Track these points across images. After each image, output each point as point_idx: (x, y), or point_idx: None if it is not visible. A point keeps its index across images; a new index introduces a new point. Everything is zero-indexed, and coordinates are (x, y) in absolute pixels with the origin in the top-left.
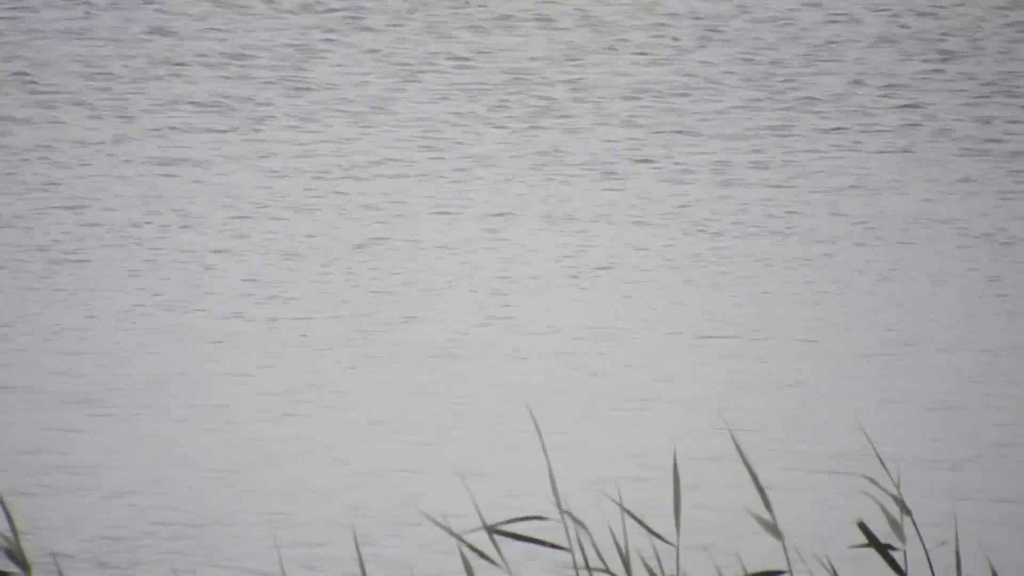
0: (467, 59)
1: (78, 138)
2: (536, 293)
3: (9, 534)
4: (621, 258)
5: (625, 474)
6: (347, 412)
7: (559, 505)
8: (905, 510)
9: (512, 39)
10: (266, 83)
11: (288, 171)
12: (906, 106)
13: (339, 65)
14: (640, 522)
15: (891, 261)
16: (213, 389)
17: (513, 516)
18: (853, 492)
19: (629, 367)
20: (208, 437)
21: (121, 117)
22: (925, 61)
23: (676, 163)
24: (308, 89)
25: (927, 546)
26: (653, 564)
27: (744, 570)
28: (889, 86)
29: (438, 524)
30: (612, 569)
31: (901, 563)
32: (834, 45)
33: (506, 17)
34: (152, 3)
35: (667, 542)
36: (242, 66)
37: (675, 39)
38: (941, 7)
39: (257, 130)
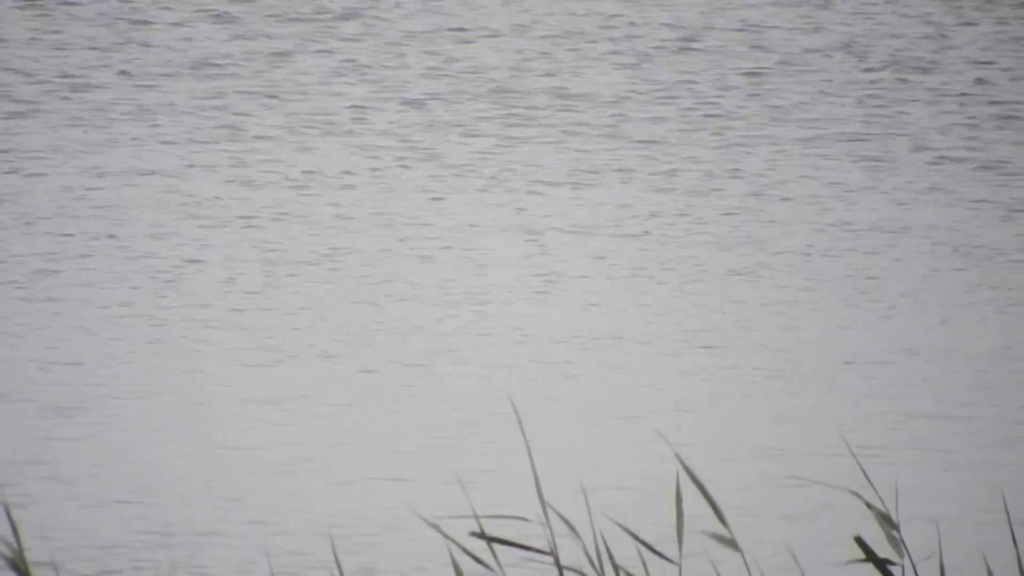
0: (442, 68)
1: (43, 146)
2: (512, 303)
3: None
4: (595, 267)
5: (609, 483)
6: (330, 421)
7: (544, 508)
8: (892, 525)
9: (488, 49)
10: (241, 92)
11: (261, 181)
12: (878, 115)
13: (308, 73)
14: (642, 542)
15: (864, 269)
16: (192, 398)
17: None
18: (839, 504)
19: (612, 376)
20: (189, 446)
21: (85, 126)
22: (890, 70)
23: (651, 173)
24: (279, 98)
25: (914, 560)
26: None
27: None
28: (865, 95)
29: (430, 524)
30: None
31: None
32: (807, 54)
33: (483, 27)
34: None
35: (669, 560)
36: (212, 74)
37: (653, 48)
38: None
39: (232, 138)
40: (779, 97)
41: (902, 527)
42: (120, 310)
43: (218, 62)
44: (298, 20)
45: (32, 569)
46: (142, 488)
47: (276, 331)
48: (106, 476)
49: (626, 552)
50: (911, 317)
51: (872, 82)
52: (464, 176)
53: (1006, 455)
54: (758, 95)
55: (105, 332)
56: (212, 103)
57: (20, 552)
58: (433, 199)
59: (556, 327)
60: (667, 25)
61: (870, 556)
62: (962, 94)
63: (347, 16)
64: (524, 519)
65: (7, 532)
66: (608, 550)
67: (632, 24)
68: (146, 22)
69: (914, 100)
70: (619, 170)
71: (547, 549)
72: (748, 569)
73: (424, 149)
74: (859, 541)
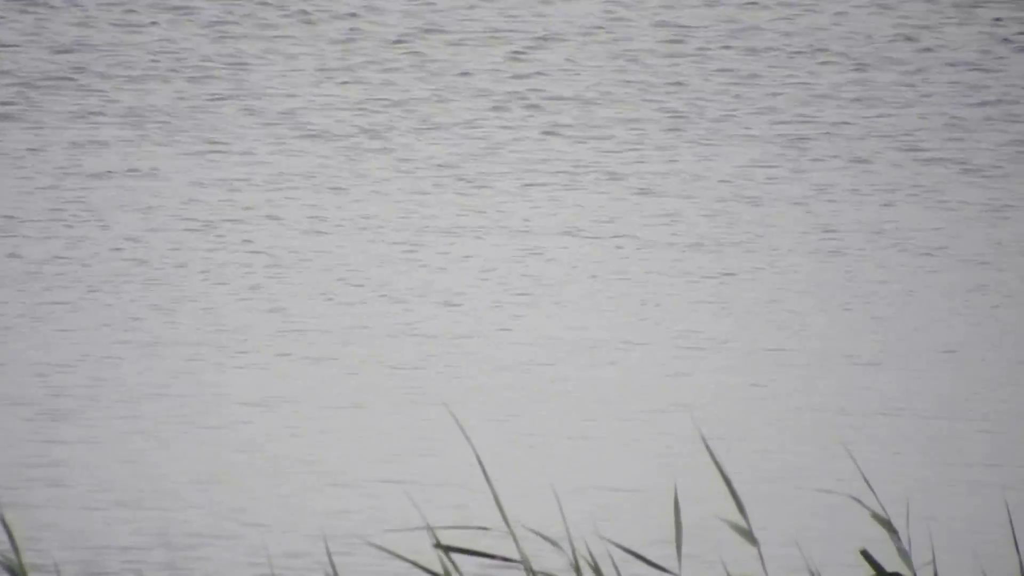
0: (426, 68)
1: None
2: (502, 305)
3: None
4: (580, 270)
5: (604, 486)
6: (324, 422)
7: (505, 519)
8: (892, 530)
9: (474, 50)
10: (212, 96)
11: (243, 184)
12: (863, 116)
13: (283, 76)
14: (641, 557)
15: (858, 271)
16: (185, 400)
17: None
18: (837, 508)
19: (605, 376)
20: (187, 446)
21: (73, 127)
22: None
23: (641, 176)
24: (262, 99)
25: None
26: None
27: None
28: (852, 96)
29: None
30: None
31: None
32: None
33: (472, 30)
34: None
35: (669, 572)
36: (192, 77)
37: (644, 50)
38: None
39: (220, 140)
40: (765, 98)
41: (900, 530)
42: (119, 310)
43: (200, 64)
44: (279, 23)
45: (30, 573)
46: (139, 490)
47: (264, 332)
48: (102, 478)
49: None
50: (908, 317)
51: (856, 82)
52: (448, 177)
53: (1003, 456)
54: (741, 96)
55: (102, 333)
56: (192, 105)
57: (19, 559)
58: (418, 199)
59: (541, 329)
60: (655, 26)
61: (877, 570)
62: (947, 94)
63: (335, 18)
64: (484, 528)
65: (4, 536)
66: (592, 559)
67: (617, 24)
68: (129, 24)
69: (899, 100)
70: (604, 172)
71: (518, 557)
72: (764, 566)
73: (406, 149)
74: (865, 555)
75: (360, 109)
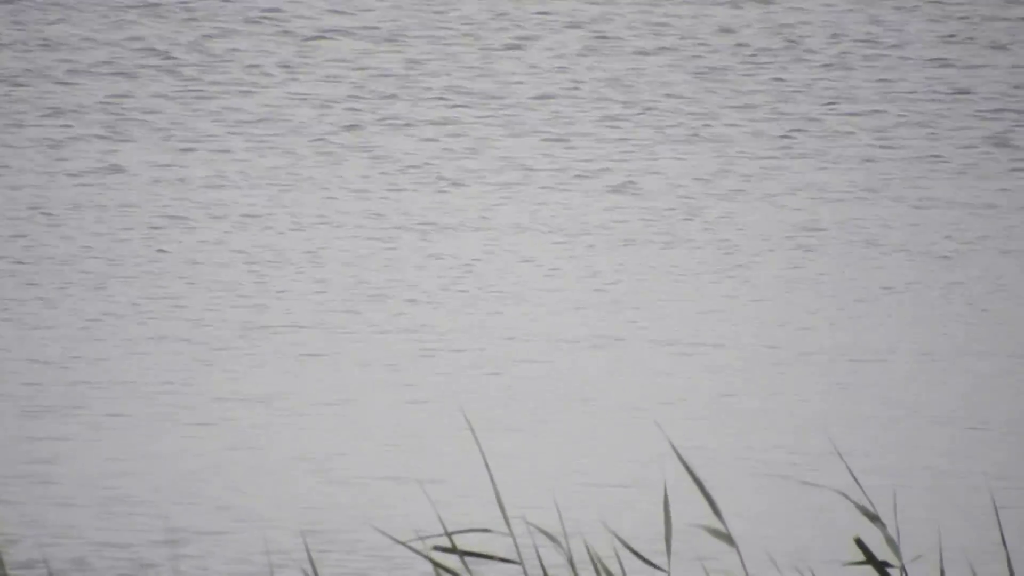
0: (403, 67)
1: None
2: (497, 305)
3: None
4: (573, 268)
5: (600, 482)
6: (322, 421)
7: (506, 519)
8: (882, 523)
9: (457, 47)
10: (199, 93)
11: (240, 181)
12: (857, 113)
13: (257, 74)
14: (634, 551)
15: (844, 269)
16: (188, 398)
17: (469, 529)
18: (823, 505)
19: (600, 376)
20: (185, 447)
21: (57, 124)
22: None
23: (628, 175)
24: (244, 95)
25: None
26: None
27: None
28: (836, 95)
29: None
30: None
31: None
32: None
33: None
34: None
35: (660, 568)
36: (171, 69)
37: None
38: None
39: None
40: (752, 93)
41: (887, 526)
42: (116, 309)
43: (176, 57)
44: (257, 21)
45: (23, 571)
46: (135, 488)
47: (262, 331)
48: (97, 476)
49: (628, 551)
50: (902, 317)
51: (841, 79)
52: (427, 175)
53: (995, 455)
54: (725, 92)
55: (96, 331)
56: (167, 102)
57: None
58: (395, 196)
59: (541, 327)
60: (634, 23)
61: (869, 558)
62: (928, 90)
63: (311, 15)
64: (486, 530)
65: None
66: (597, 556)
67: (596, 21)
68: (106, 19)
69: (884, 95)
70: (592, 171)
71: (515, 559)
72: (744, 567)
73: (389, 149)
74: (859, 543)
75: (329, 107)
